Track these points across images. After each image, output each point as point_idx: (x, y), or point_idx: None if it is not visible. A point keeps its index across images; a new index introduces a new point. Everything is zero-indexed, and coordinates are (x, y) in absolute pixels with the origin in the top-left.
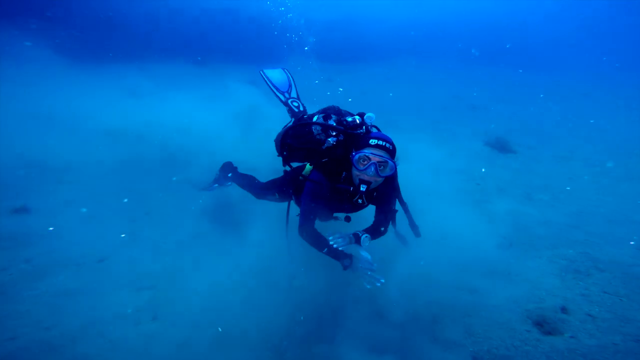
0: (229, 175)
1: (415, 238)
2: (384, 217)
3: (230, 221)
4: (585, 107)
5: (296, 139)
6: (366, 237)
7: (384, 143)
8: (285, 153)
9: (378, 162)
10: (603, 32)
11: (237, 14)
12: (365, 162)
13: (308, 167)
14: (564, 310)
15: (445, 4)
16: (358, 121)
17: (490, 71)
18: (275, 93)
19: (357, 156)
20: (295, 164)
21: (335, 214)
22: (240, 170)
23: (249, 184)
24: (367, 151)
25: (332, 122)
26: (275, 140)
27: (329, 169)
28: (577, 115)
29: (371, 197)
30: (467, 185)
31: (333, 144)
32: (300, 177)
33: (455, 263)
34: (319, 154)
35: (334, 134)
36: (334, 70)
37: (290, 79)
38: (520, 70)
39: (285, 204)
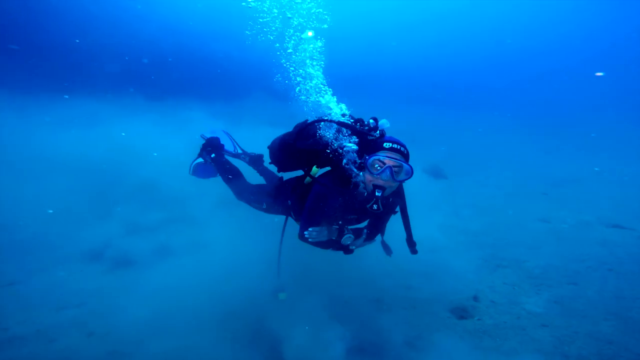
0: (212, 155)
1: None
2: (378, 223)
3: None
4: (501, 140)
5: (305, 140)
6: (349, 236)
7: (398, 146)
8: (285, 158)
9: (393, 165)
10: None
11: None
12: (380, 166)
13: (315, 169)
14: (475, 299)
15: (389, 51)
16: (372, 125)
17: (429, 110)
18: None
19: (370, 160)
20: (289, 174)
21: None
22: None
23: (235, 180)
24: (381, 154)
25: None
26: (271, 147)
27: (340, 174)
28: (493, 148)
29: (387, 203)
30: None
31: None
32: (307, 180)
33: (395, 265)
34: (326, 156)
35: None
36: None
37: (233, 141)
38: (454, 110)
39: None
